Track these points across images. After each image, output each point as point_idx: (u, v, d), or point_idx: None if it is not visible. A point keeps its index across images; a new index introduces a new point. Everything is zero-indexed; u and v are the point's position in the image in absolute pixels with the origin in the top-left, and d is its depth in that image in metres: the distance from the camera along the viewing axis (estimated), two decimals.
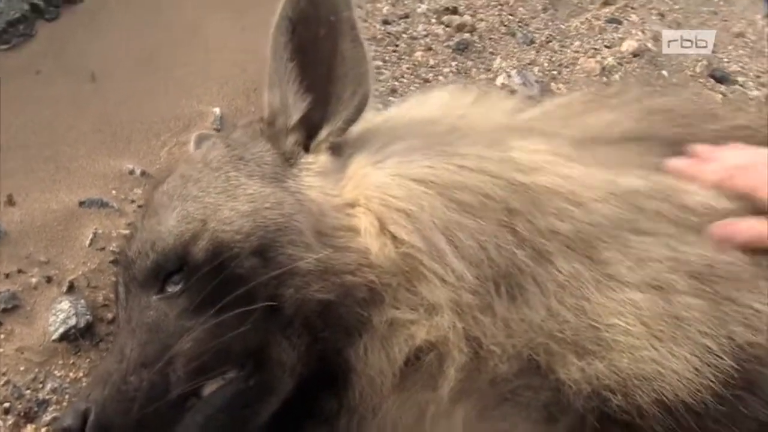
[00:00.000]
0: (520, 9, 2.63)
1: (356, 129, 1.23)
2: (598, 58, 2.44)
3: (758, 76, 2.45)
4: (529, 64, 2.37)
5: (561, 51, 2.47)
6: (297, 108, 1.23)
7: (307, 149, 1.23)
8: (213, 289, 1.10)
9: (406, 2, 2.55)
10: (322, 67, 1.20)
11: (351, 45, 1.19)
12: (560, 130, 1.19)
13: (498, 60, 2.35)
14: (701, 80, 2.41)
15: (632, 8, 2.72)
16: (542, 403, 1.04)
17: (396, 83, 2.21)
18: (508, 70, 2.30)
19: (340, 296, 1.10)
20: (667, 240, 1.03)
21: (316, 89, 1.22)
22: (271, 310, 1.10)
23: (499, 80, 2.25)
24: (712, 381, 0.96)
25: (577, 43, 2.51)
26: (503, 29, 2.52)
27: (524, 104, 1.33)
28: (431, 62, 2.31)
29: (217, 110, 1.94)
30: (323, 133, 1.22)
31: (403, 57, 2.32)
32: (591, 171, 1.10)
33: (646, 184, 1.09)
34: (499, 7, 2.63)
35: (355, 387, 1.12)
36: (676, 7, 2.80)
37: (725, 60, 2.51)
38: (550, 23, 2.60)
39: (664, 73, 2.43)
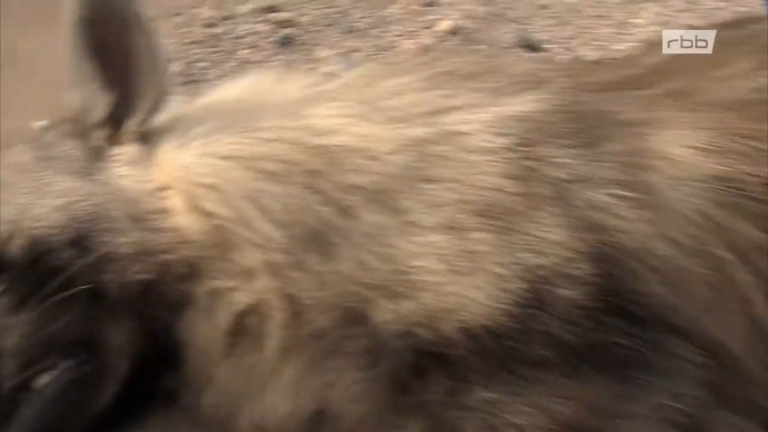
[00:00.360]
0: (341, 0, 2.73)
1: (163, 117, 1.26)
2: (417, 39, 2.56)
3: (564, 42, 2.63)
4: (352, 51, 2.47)
5: (382, 36, 2.58)
6: (101, 104, 1.25)
7: (115, 142, 1.25)
8: (33, 284, 1.12)
9: (226, 5, 2.59)
10: (120, 62, 1.22)
11: (144, 39, 1.21)
12: (355, 96, 1.27)
13: (321, 50, 2.44)
14: (513, 50, 2.57)
15: None
16: (363, 350, 1.12)
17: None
18: (331, 58, 2.38)
19: (160, 275, 1.14)
20: (452, 184, 1.13)
21: (117, 84, 1.24)
22: (94, 296, 1.13)
23: (324, 69, 2.32)
24: (507, 304, 1.07)
25: (397, 27, 2.63)
26: (325, 21, 2.60)
27: (325, 79, 1.41)
28: (256, 59, 2.37)
29: (42, 124, 1.93)
30: (128, 125, 1.24)
31: (228, 57, 2.37)
32: (383, 127, 1.18)
33: (431, 131, 1.18)
34: (320, 0, 2.72)
35: (188, 360, 1.16)
36: None
37: (533, 30, 2.68)
38: (370, 12, 2.70)
39: (480, 47, 2.57)
